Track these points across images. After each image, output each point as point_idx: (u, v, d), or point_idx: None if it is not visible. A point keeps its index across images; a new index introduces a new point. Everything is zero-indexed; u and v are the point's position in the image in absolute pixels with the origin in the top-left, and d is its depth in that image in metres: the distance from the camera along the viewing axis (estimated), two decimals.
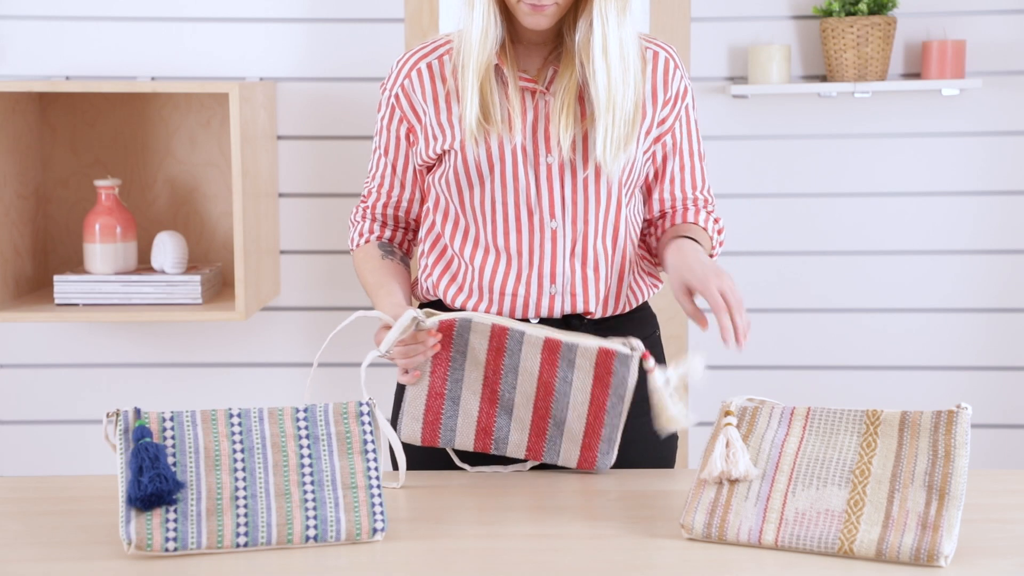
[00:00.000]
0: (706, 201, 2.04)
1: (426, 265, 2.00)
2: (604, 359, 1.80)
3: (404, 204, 2.03)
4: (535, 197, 1.90)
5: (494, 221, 1.92)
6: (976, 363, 3.19)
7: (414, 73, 1.94)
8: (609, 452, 1.84)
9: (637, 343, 1.82)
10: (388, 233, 2.05)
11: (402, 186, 2.01)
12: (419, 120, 1.94)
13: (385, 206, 2.03)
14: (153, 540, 1.50)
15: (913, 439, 1.55)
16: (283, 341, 3.16)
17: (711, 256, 1.99)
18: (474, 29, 1.85)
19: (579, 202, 1.91)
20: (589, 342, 1.81)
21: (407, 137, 1.97)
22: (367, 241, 2.05)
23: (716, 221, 2.02)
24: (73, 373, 3.17)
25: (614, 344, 1.81)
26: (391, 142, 1.99)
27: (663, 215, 2.03)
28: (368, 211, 2.05)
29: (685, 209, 2.01)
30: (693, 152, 2.00)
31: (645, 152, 1.94)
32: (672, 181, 2.00)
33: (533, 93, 1.90)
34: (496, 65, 1.88)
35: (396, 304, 1.86)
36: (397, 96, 1.96)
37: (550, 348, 1.81)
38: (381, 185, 2.02)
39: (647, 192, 2.02)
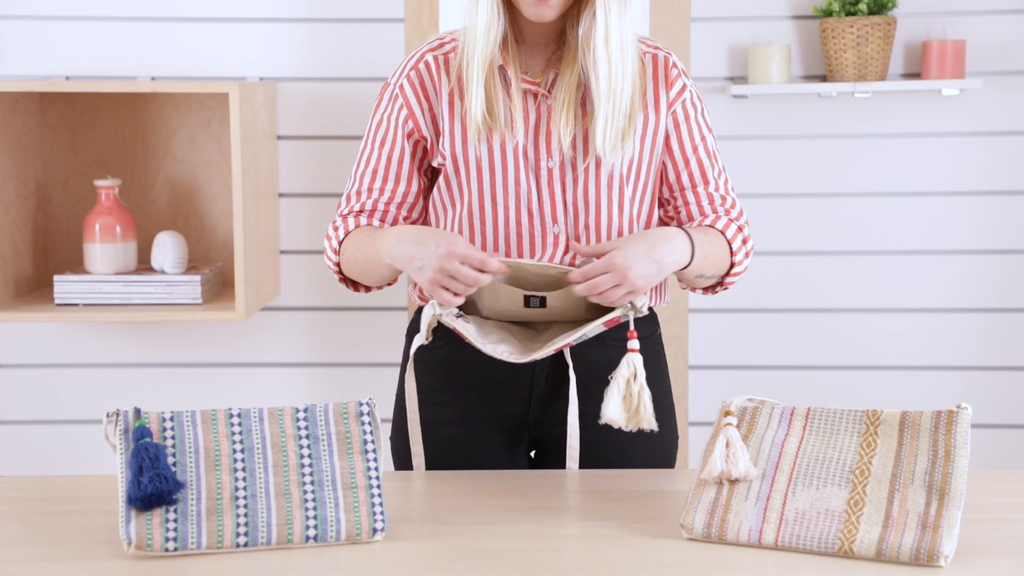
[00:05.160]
0: (723, 200, 1.96)
1: None
2: (612, 325, 1.78)
3: (397, 199, 1.94)
4: (536, 201, 1.90)
5: (495, 224, 1.91)
6: (976, 363, 3.19)
7: (421, 65, 1.92)
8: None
9: (640, 300, 1.76)
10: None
11: (397, 179, 1.93)
12: (430, 109, 1.91)
13: (376, 202, 1.93)
14: (153, 540, 1.50)
15: (913, 439, 1.55)
16: (283, 341, 3.16)
17: (732, 271, 1.93)
18: (479, 22, 1.85)
19: (580, 205, 1.90)
20: (592, 325, 1.76)
21: (406, 129, 1.92)
22: (357, 227, 1.94)
23: (740, 230, 1.94)
24: (73, 373, 3.17)
25: (615, 313, 1.76)
26: (389, 132, 1.93)
27: (687, 220, 1.98)
28: (353, 217, 1.94)
29: (710, 216, 1.95)
30: (696, 147, 1.95)
31: (651, 153, 1.93)
32: (677, 171, 1.95)
33: (536, 96, 1.89)
34: (500, 66, 1.88)
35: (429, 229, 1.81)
36: (402, 87, 1.92)
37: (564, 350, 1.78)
38: (374, 180, 1.93)
39: (662, 197, 1.99)
